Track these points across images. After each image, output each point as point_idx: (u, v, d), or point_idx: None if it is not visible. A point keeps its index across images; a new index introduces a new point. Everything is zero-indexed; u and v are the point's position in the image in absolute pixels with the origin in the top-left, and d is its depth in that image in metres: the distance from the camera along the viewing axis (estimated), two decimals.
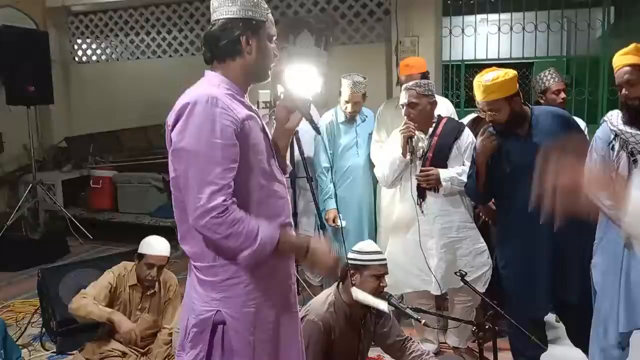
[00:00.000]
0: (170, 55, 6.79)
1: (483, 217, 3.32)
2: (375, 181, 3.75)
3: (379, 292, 2.59)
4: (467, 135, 3.19)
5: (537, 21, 4.94)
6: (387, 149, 3.32)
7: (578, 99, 4.90)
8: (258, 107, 3.48)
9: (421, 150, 3.15)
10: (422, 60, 3.89)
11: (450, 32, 5.07)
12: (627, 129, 2.53)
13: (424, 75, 3.55)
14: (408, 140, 3.11)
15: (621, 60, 2.52)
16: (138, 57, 6.98)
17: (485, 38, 5.06)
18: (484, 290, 3.01)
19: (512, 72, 2.77)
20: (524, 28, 4.98)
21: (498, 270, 3.07)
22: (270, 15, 1.78)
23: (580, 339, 2.91)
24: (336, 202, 3.55)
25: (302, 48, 5.15)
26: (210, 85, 1.71)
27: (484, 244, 3.15)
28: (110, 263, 3.31)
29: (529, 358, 3.08)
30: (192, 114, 1.60)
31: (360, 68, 4.04)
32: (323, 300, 2.64)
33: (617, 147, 2.57)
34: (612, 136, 2.60)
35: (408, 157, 3.14)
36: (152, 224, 5.79)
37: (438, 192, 3.13)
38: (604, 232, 2.68)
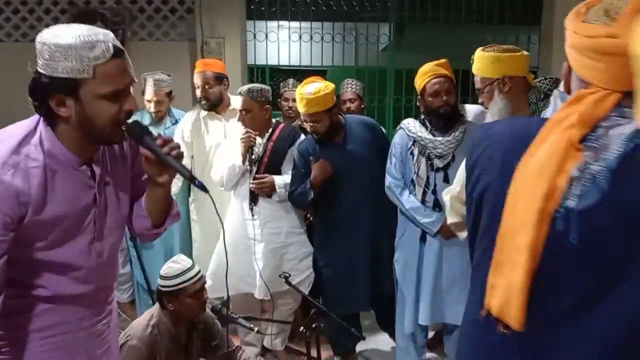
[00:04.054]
0: None
1: (310, 219, 3.41)
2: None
3: (200, 309, 2.52)
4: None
5: (334, 32, 5.25)
6: (227, 154, 3.25)
7: (368, 106, 5.34)
8: None
9: (256, 155, 3.14)
10: (219, 62, 3.80)
11: (255, 36, 5.12)
12: (426, 135, 2.80)
13: (220, 77, 3.50)
14: (249, 149, 3.08)
15: (435, 69, 2.76)
16: None
17: (287, 44, 5.22)
18: (307, 292, 3.13)
19: (331, 85, 2.92)
20: (322, 38, 5.26)
21: (317, 270, 3.22)
22: (106, 66, 1.35)
23: (388, 325, 3.22)
24: None
25: None
26: (21, 137, 1.38)
27: (311, 248, 3.27)
28: None
29: (347, 349, 3.32)
30: None
31: (163, 67, 3.88)
32: (145, 322, 2.48)
33: (416, 152, 2.85)
34: (411, 142, 2.87)
35: (247, 164, 3.12)
36: None
37: (271, 197, 3.15)
38: (403, 229, 2.97)
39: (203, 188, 1.45)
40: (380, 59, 5.61)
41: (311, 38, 5.31)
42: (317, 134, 2.99)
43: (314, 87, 2.87)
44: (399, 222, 3.00)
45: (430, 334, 3.38)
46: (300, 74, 5.57)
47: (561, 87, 1.28)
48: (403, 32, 5.57)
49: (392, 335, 3.23)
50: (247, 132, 3.09)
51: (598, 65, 1.02)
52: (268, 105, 3.17)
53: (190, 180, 1.45)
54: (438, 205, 2.80)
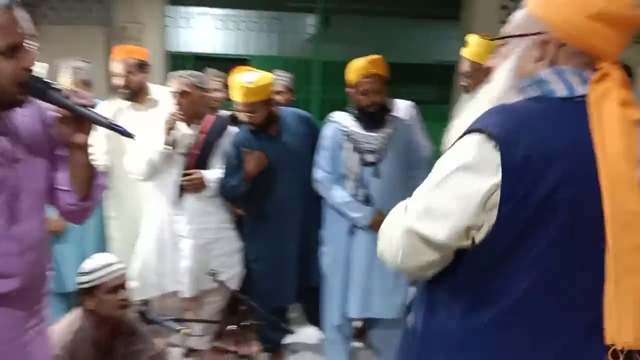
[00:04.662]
0: None
1: (240, 213, 3.28)
2: None
3: (122, 307, 2.36)
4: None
5: (262, 20, 5.14)
6: (147, 143, 3.04)
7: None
8: None
9: (185, 146, 2.97)
10: (141, 49, 3.53)
11: (176, 23, 4.90)
12: (358, 130, 2.79)
13: (142, 65, 3.29)
14: (169, 130, 2.91)
15: (367, 68, 2.74)
16: None
17: (210, 31, 5.05)
18: (237, 288, 3.02)
19: (269, 76, 2.84)
20: (247, 26, 5.12)
21: (247, 265, 3.13)
22: None
23: (315, 317, 3.19)
24: None
25: None
26: None
27: (240, 243, 3.15)
28: None
29: (275, 343, 3.26)
30: None
31: (76, 53, 3.59)
32: (65, 328, 2.28)
33: (347, 146, 2.83)
34: (342, 136, 2.84)
35: (169, 147, 2.94)
36: None
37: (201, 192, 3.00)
38: (331, 222, 2.94)
39: (127, 134, 1.39)
40: (306, 50, 5.56)
41: (235, 26, 5.17)
42: (252, 124, 2.89)
43: (253, 77, 2.78)
44: (327, 215, 2.97)
45: (359, 323, 3.38)
46: (222, 62, 5.42)
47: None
48: (330, 24, 5.55)
49: (320, 327, 3.20)
50: (171, 112, 2.93)
51: (613, 36, 1.03)
52: (207, 94, 3.04)
53: (110, 127, 1.37)
54: (368, 200, 2.80)
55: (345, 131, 2.82)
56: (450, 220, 1.05)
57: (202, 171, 2.99)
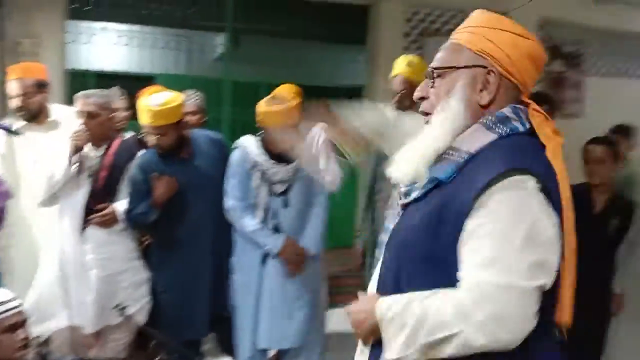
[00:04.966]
0: None
1: (146, 241, 3.12)
2: None
3: (21, 348, 2.17)
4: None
5: (168, 38, 5.01)
6: (49, 168, 2.85)
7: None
8: None
9: (91, 168, 2.82)
10: (39, 66, 3.33)
11: (76, 39, 4.66)
12: (266, 161, 2.76)
13: (41, 84, 3.10)
14: (77, 151, 2.75)
15: (281, 120, 2.63)
16: None
17: (113, 48, 4.85)
18: (144, 321, 2.87)
19: (180, 97, 2.75)
20: (153, 43, 4.97)
21: (155, 297, 2.98)
22: None
23: (229, 348, 3.10)
24: None
25: None
26: None
27: (147, 273, 3.00)
28: None
29: None
30: None
31: None
32: None
33: (256, 176, 2.80)
34: (251, 165, 2.80)
35: (74, 169, 2.77)
36: None
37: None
38: (242, 250, 2.90)
39: (13, 132, 1.25)
40: (215, 69, 5.47)
41: (140, 43, 5.00)
42: (161, 148, 2.77)
43: (162, 98, 2.67)
44: (238, 243, 2.92)
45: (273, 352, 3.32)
46: (126, 80, 5.22)
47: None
48: (239, 44, 5.51)
49: (234, 358, 3.11)
50: (77, 131, 2.78)
51: (536, 74, 1.25)
52: (115, 114, 2.91)
53: None
54: (277, 229, 2.81)
55: (254, 160, 2.79)
56: (554, 265, 1.13)
57: (115, 205, 2.87)
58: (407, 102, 2.83)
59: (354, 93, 5.79)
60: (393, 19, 5.58)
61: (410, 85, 2.79)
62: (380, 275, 1.30)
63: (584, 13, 6.22)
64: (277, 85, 5.08)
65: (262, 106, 2.69)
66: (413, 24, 5.77)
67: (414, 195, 1.24)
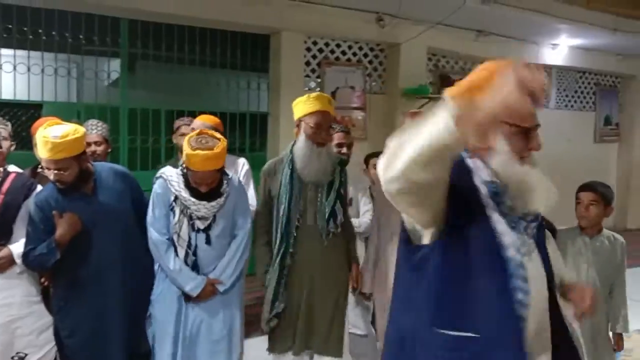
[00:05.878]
0: None
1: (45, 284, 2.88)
2: None
3: None
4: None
5: (57, 64, 4.74)
6: None
7: None
8: None
9: None
10: None
11: None
12: (188, 197, 2.68)
13: None
14: None
15: (204, 165, 2.57)
16: None
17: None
18: None
19: (81, 129, 2.59)
20: (42, 70, 4.69)
21: (60, 343, 2.75)
22: None
23: None
24: None
25: None
26: None
27: (50, 317, 2.78)
28: None
29: None
30: None
31: None
32: None
33: (177, 210, 2.71)
34: (173, 198, 2.71)
35: None
36: None
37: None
38: (161, 285, 2.80)
39: None
40: (110, 96, 5.23)
41: (26, 69, 4.70)
42: (62, 183, 2.58)
43: (61, 130, 2.48)
44: (157, 277, 2.82)
45: None
46: (12, 108, 4.87)
47: None
48: (135, 69, 5.33)
49: None
50: None
51: None
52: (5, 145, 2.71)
53: None
54: (196, 267, 2.74)
55: (175, 194, 2.70)
56: None
57: (11, 247, 2.65)
58: (324, 134, 2.95)
59: (261, 119, 5.81)
60: (293, 48, 5.69)
61: (329, 120, 2.98)
62: None
63: (468, 44, 6.72)
64: (178, 112, 4.98)
65: (187, 147, 2.56)
66: (313, 53, 5.91)
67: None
